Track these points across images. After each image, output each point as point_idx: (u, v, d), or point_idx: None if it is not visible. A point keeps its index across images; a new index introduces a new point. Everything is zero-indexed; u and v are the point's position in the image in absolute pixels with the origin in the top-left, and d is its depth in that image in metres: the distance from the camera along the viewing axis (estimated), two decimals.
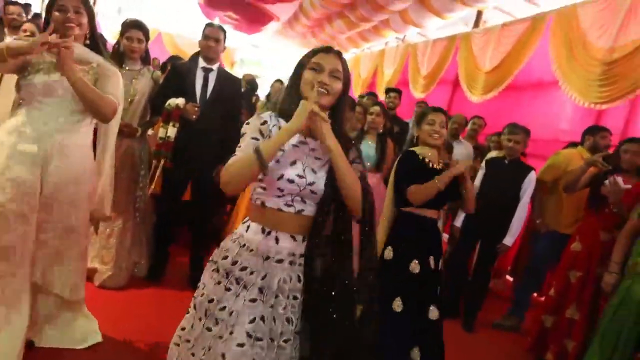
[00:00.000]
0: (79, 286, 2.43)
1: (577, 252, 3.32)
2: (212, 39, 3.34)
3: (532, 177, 3.68)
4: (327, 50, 1.64)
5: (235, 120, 3.46)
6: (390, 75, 9.15)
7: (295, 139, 1.59)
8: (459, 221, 3.97)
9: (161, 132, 3.25)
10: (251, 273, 1.55)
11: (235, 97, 3.50)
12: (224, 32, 3.40)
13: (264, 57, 13.85)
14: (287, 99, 1.65)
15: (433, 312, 2.55)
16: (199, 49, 3.42)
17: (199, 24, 4.08)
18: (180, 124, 3.24)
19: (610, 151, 3.64)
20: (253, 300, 1.51)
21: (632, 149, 3.17)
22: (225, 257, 1.61)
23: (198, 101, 3.30)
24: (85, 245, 2.50)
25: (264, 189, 1.60)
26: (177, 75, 3.35)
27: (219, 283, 1.58)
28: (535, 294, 4.42)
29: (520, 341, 3.72)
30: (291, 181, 1.54)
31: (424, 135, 2.70)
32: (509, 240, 3.69)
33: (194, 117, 3.22)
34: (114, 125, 2.57)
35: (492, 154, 4.63)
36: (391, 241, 2.67)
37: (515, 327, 3.99)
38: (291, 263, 1.57)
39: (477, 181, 3.89)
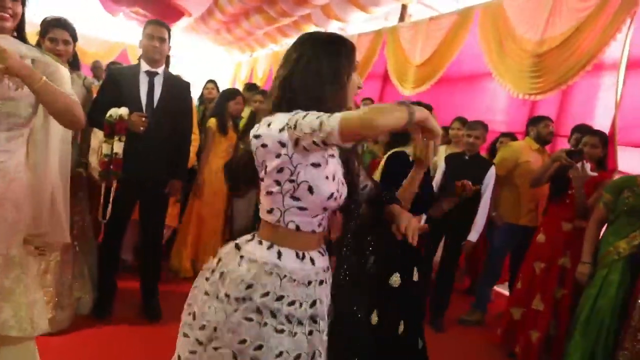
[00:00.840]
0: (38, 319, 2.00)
1: (542, 243, 3.37)
2: (156, 38, 2.94)
3: (492, 172, 3.70)
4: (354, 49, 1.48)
5: (187, 130, 3.11)
6: None
7: (329, 150, 1.39)
8: (421, 220, 3.90)
9: (105, 149, 2.81)
10: (300, 305, 1.40)
11: (186, 103, 3.13)
12: (169, 30, 3.01)
13: (173, 54, 13.09)
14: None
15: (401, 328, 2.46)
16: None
17: None
18: (127, 137, 2.82)
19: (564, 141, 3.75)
20: (310, 333, 1.41)
21: (591, 142, 3.26)
22: (266, 294, 1.37)
23: (144, 110, 2.91)
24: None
25: (302, 209, 1.39)
26: (115, 81, 2.92)
27: (264, 325, 1.36)
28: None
29: (491, 336, 3.73)
30: (335, 198, 1.41)
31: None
32: (473, 236, 3.69)
33: (142, 128, 2.83)
34: (56, 132, 2.13)
35: (442, 148, 4.64)
36: (373, 252, 2.51)
37: (480, 321, 4.03)
38: (325, 281, 1.50)
39: (438, 177, 3.85)
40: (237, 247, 1.46)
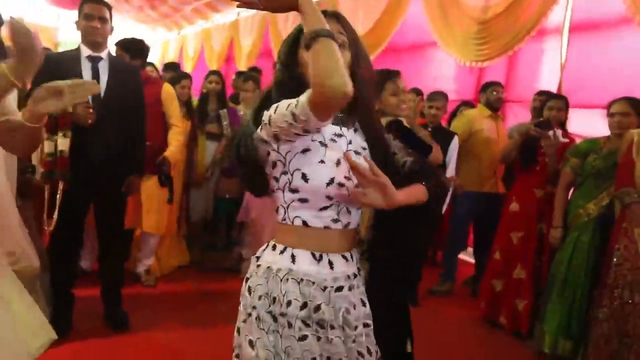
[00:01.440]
0: None
1: (515, 212, 3.41)
2: (95, 19, 2.61)
3: (456, 142, 3.69)
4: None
5: (140, 119, 2.82)
6: (250, 47, 8.68)
7: (330, 132, 1.30)
8: None
9: (48, 147, 2.47)
10: (326, 308, 1.27)
11: (136, 89, 2.82)
12: (110, 8, 2.67)
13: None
14: (284, 88, 1.29)
15: None
16: None
17: None
18: (73, 132, 2.51)
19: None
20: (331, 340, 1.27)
21: (557, 106, 3.30)
22: (289, 303, 1.25)
23: (90, 100, 2.59)
24: None
25: (303, 201, 1.28)
26: (53, 69, 2.54)
27: (304, 338, 1.24)
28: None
29: (474, 309, 3.72)
30: (341, 185, 1.26)
31: (390, 107, 2.44)
32: (442, 207, 3.68)
33: (90, 121, 2.52)
34: None
35: None
36: None
37: (450, 290, 4.08)
38: (350, 288, 1.32)
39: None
40: (257, 257, 1.37)
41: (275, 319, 1.26)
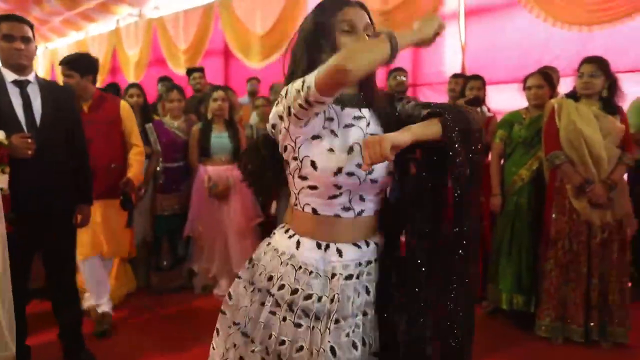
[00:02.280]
0: None
1: None
2: (17, 39, 2.32)
3: None
4: (350, 2, 1.30)
5: (82, 144, 2.58)
6: (138, 55, 8.24)
7: (350, 116, 1.29)
8: None
9: None
10: (319, 300, 1.26)
11: (73, 111, 2.56)
12: (32, 26, 2.39)
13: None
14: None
15: None
16: None
17: None
18: (11, 167, 2.22)
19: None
20: (328, 330, 1.24)
21: (477, 85, 3.59)
22: (282, 287, 1.29)
23: (25, 130, 2.32)
24: None
25: (313, 188, 1.27)
26: None
27: (284, 320, 1.27)
28: None
29: None
30: (351, 174, 1.23)
31: None
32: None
33: (30, 152, 2.26)
34: None
35: None
36: None
37: None
38: (358, 276, 1.30)
39: None
40: (272, 234, 1.43)
41: (267, 292, 1.31)
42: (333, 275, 1.27)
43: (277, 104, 1.26)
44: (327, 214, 1.28)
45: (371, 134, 1.28)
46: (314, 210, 1.29)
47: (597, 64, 2.84)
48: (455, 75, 4.12)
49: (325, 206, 1.28)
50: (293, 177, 1.30)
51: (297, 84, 1.16)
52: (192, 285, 3.82)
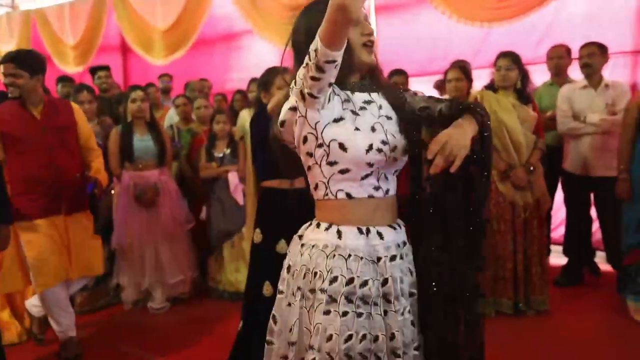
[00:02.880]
0: None
1: None
2: None
3: None
4: None
5: None
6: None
7: (360, 100, 1.33)
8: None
9: None
10: (374, 284, 1.29)
11: None
12: None
13: None
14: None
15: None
16: None
17: None
18: None
19: None
20: (385, 313, 1.29)
21: (401, 81, 3.74)
22: (334, 280, 1.26)
23: None
24: None
25: (344, 172, 1.28)
26: None
27: (344, 314, 1.24)
28: None
29: None
30: (379, 150, 1.27)
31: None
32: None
33: None
34: None
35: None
36: (258, 223, 2.44)
37: None
38: (402, 257, 1.35)
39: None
40: (299, 236, 1.39)
41: (319, 293, 1.26)
42: (378, 258, 1.29)
43: (287, 99, 1.27)
44: (362, 196, 1.29)
45: (386, 117, 1.33)
46: (349, 195, 1.29)
47: (512, 58, 3.11)
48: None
49: (359, 187, 1.29)
50: (320, 166, 1.29)
51: (304, 64, 1.17)
52: (121, 301, 3.56)
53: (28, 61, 2.65)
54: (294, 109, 1.25)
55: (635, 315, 3.02)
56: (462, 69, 3.40)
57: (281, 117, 1.30)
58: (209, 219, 3.75)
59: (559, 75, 3.81)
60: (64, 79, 4.36)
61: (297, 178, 2.32)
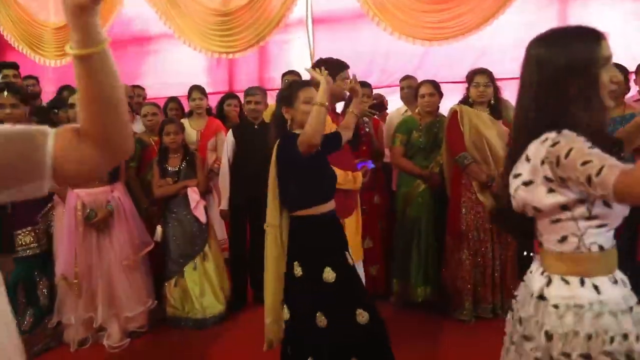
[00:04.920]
0: None
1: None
2: None
3: None
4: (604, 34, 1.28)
5: None
6: None
7: None
8: (224, 204, 3.51)
9: None
10: (637, 338, 1.22)
11: None
12: None
13: None
14: (589, 112, 1.23)
15: (361, 316, 2.20)
16: None
17: None
18: None
19: None
20: None
21: (367, 93, 3.66)
22: (612, 340, 1.19)
23: None
24: None
25: (602, 226, 1.24)
26: None
27: None
28: None
29: None
30: None
31: (300, 115, 2.24)
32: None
33: None
34: None
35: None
36: (295, 255, 2.22)
37: None
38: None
39: (228, 153, 3.50)
40: (541, 297, 1.28)
41: (588, 357, 1.19)
42: (630, 308, 1.23)
43: (542, 164, 1.22)
44: (609, 247, 1.27)
45: None
46: (601, 247, 1.25)
47: (488, 75, 3.27)
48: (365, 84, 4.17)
49: (608, 240, 1.27)
50: (576, 221, 1.24)
51: (576, 168, 1.13)
52: (63, 341, 2.91)
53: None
54: (549, 179, 1.22)
55: None
56: (435, 85, 3.49)
57: (529, 177, 1.25)
58: (165, 240, 3.28)
59: None
60: None
61: (330, 200, 2.23)
